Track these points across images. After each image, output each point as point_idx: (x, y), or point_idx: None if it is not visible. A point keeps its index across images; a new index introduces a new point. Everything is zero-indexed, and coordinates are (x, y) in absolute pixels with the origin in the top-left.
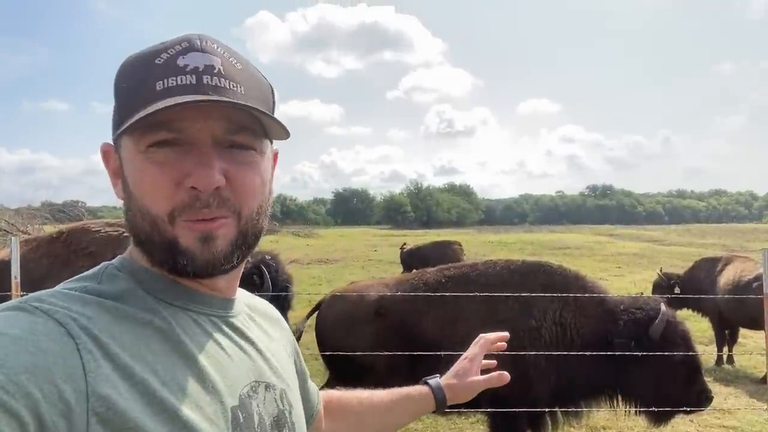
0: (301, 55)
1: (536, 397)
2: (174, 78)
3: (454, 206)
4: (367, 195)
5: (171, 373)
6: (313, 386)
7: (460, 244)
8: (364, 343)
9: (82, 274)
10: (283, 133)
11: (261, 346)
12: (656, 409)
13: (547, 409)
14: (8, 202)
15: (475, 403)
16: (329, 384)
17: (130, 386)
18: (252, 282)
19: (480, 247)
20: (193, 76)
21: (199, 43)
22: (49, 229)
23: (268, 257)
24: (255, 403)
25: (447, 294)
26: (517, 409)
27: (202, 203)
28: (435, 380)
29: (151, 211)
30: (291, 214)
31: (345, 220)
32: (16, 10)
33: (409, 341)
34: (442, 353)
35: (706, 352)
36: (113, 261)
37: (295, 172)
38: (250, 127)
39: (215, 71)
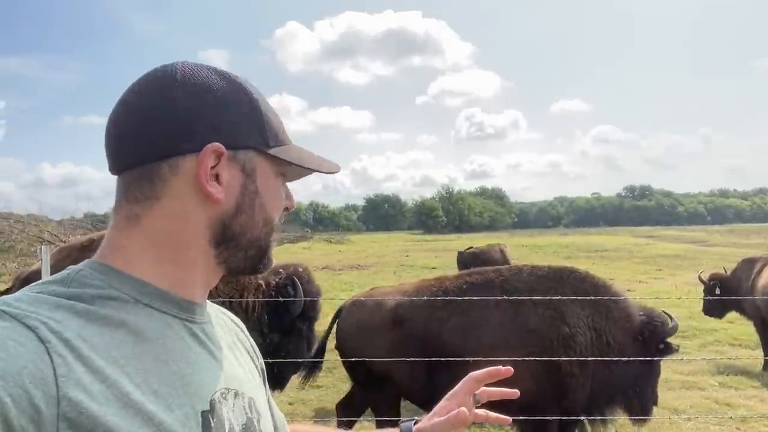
0: (330, 64)
1: (569, 405)
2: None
3: (486, 210)
4: (398, 200)
5: (143, 375)
6: (279, 414)
7: (505, 246)
8: (381, 351)
9: (47, 279)
10: None
11: (230, 353)
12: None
13: (582, 417)
14: (52, 214)
15: (505, 410)
16: (353, 390)
17: (103, 389)
18: (286, 293)
19: (513, 251)
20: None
21: None
22: None
23: (300, 269)
24: (225, 409)
25: (466, 299)
26: (548, 417)
27: (282, 220)
28: (408, 423)
29: (275, 221)
30: (323, 221)
31: (377, 226)
32: (56, 30)
33: (428, 350)
34: (466, 360)
35: (752, 356)
36: (79, 265)
37: (327, 179)
38: None
39: None
